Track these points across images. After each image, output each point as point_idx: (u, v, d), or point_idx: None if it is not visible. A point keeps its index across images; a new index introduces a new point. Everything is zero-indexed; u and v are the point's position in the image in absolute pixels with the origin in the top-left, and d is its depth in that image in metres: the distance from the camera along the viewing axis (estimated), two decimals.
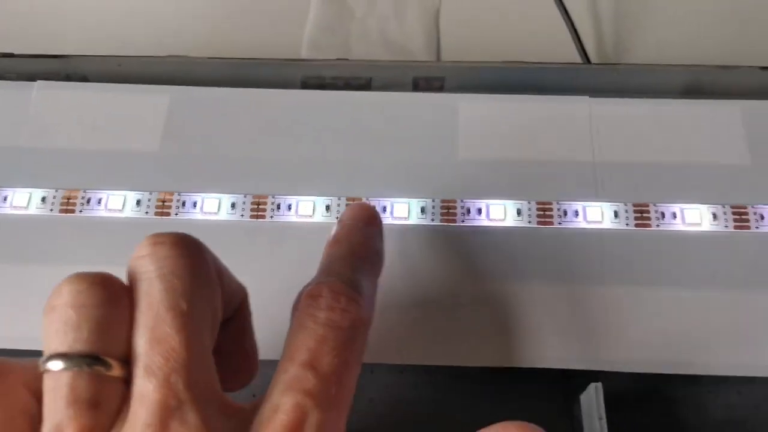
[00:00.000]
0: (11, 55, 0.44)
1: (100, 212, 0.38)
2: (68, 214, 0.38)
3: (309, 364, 0.19)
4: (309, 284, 0.23)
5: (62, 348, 0.17)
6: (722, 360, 0.35)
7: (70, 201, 0.38)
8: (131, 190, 0.39)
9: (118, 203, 0.38)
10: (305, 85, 0.45)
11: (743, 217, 0.39)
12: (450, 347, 0.36)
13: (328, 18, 0.62)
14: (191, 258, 0.20)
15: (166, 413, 0.17)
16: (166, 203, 0.39)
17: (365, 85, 0.45)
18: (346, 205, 0.39)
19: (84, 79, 0.44)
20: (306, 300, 0.22)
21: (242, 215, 0.38)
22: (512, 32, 0.56)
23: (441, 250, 0.38)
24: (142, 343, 0.18)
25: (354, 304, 0.21)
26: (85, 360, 0.17)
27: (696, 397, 0.36)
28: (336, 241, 0.26)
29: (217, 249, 0.25)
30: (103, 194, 0.38)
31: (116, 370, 0.18)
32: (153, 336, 0.18)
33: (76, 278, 0.19)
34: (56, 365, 0.17)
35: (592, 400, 0.34)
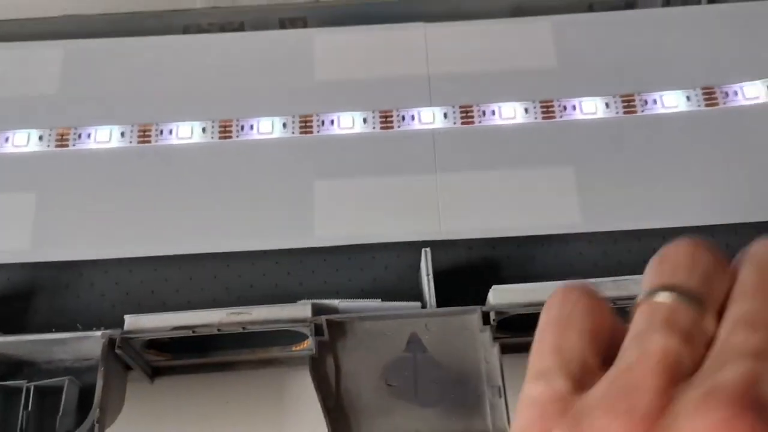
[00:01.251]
0: None
1: (8, 149, 0.45)
2: None
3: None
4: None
5: (673, 281, 0.18)
6: (527, 223, 0.43)
7: None
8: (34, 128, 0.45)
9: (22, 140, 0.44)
10: (186, 31, 0.51)
11: (550, 109, 0.47)
12: (313, 230, 0.43)
13: None
14: None
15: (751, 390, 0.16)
16: (65, 137, 0.45)
17: (238, 28, 0.51)
18: (220, 125, 0.46)
19: None
20: None
21: (131, 142, 0.45)
22: None
23: (300, 156, 0.45)
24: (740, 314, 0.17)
25: None
26: (690, 298, 0.18)
27: (520, 256, 0.45)
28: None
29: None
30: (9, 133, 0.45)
31: (710, 323, 0.18)
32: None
33: (690, 241, 0.19)
34: (663, 296, 0.18)
35: (423, 262, 0.41)
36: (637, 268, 0.40)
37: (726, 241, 0.46)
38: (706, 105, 0.47)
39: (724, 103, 0.47)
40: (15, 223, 0.43)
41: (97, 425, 0.35)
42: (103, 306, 0.45)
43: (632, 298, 0.38)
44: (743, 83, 0.47)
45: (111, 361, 0.38)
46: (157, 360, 0.42)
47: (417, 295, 0.42)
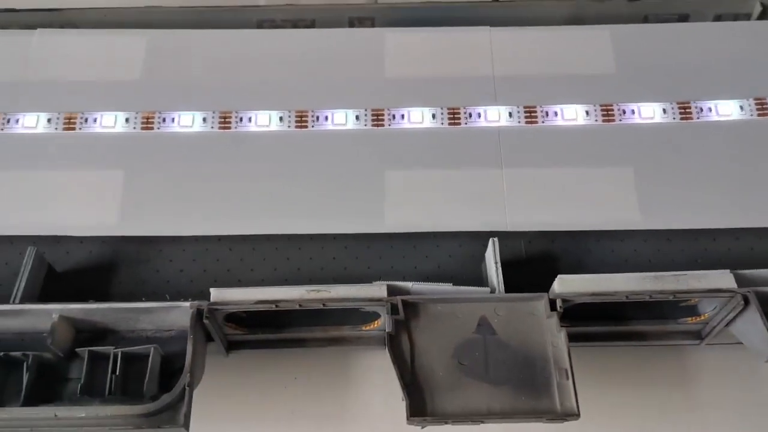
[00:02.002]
0: (13, 10, 0.52)
1: (96, 129, 0.47)
2: (69, 131, 0.47)
3: None
4: None
5: None
6: (595, 219, 0.45)
7: (71, 120, 0.46)
8: (120, 111, 0.48)
9: (110, 121, 0.47)
10: (260, 26, 0.54)
11: (610, 112, 0.49)
12: (382, 218, 0.45)
13: None
14: None
15: None
16: (150, 120, 0.48)
17: (310, 25, 0.54)
18: (296, 115, 0.48)
19: (75, 26, 0.53)
20: None
21: (212, 127, 0.48)
22: None
23: (372, 148, 0.48)
24: None
25: None
26: None
27: (577, 250, 0.47)
28: None
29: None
30: (97, 114, 0.47)
31: None
32: None
33: None
34: None
35: (491, 250, 0.44)
36: (690, 266, 0.43)
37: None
38: (759, 114, 0.49)
39: None
40: (103, 199, 0.45)
41: (187, 389, 0.38)
42: (181, 281, 0.47)
43: (691, 292, 0.40)
44: None
45: (198, 330, 0.41)
46: (235, 333, 0.44)
47: (479, 283, 0.44)
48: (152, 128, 0.48)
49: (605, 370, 0.46)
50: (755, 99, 0.49)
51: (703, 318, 0.43)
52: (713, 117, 0.49)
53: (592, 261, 0.47)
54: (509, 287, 0.43)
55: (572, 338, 0.43)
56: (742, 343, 0.43)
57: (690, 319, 0.44)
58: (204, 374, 0.44)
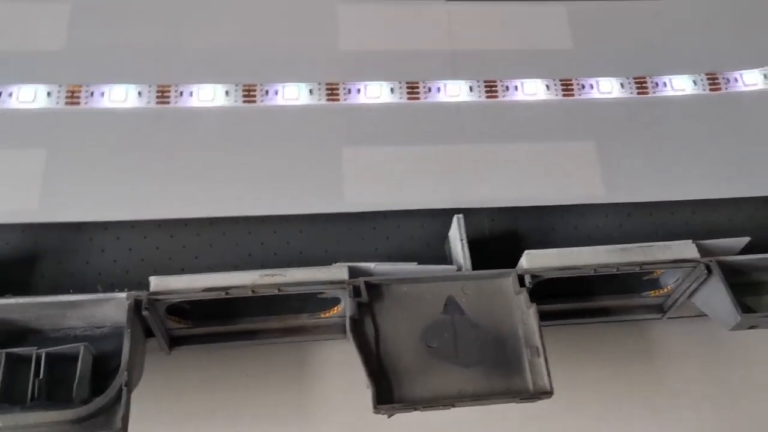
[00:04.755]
0: None
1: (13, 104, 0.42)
2: None
3: None
4: None
5: None
6: (558, 194, 0.44)
7: None
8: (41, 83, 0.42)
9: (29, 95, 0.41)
10: None
11: (569, 87, 0.48)
12: (340, 197, 0.42)
13: None
14: None
15: None
16: (75, 94, 0.43)
17: None
18: (243, 89, 0.44)
19: None
20: None
21: (148, 102, 0.43)
22: None
23: (327, 124, 0.45)
24: None
25: None
26: None
27: (541, 227, 0.45)
28: None
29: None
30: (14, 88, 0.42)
31: None
32: None
33: None
34: None
35: (455, 227, 0.42)
36: (651, 240, 0.42)
37: (728, 215, 0.48)
38: (711, 89, 0.49)
39: (726, 88, 0.49)
40: (23, 182, 0.40)
41: (124, 389, 0.33)
42: (115, 272, 0.42)
43: (657, 263, 0.40)
44: (742, 71, 0.50)
45: (136, 324, 0.36)
46: (179, 327, 0.40)
47: (444, 263, 0.42)
48: (78, 103, 0.43)
49: (572, 347, 0.45)
50: (707, 74, 0.50)
51: (666, 291, 0.43)
52: (668, 92, 0.49)
53: (556, 238, 0.46)
54: (475, 266, 0.41)
55: (540, 317, 0.42)
56: (701, 317, 0.43)
57: (653, 292, 0.43)
58: (144, 374, 0.40)
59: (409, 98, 0.46)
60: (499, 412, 0.38)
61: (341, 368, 0.41)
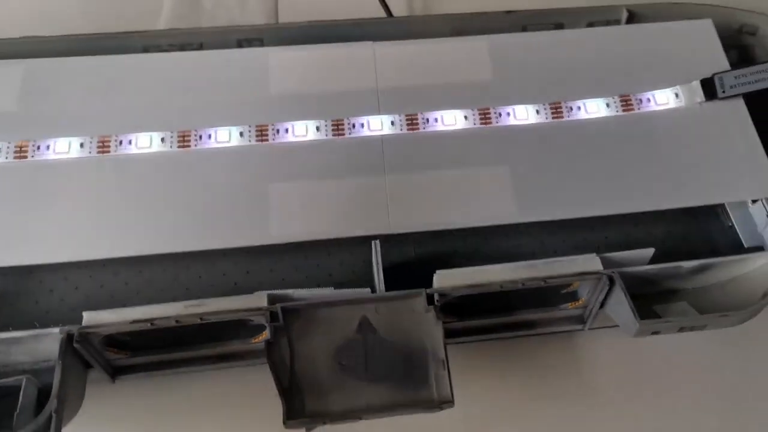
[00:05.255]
0: None
1: None
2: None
3: None
4: None
5: None
6: (469, 216, 0.46)
7: None
8: None
9: None
10: (146, 51, 0.54)
11: (487, 116, 0.51)
12: (268, 229, 0.45)
13: (180, 11, 0.72)
14: None
15: None
16: (23, 149, 0.47)
17: (197, 48, 0.55)
18: (179, 135, 0.48)
19: None
20: None
21: (90, 152, 0.47)
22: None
23: (255, 162, 0.48)
24: None
25: None
26: None
27: (466, 249, 0.48)
28: None
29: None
30: None
31: None
32: None
33: None
34: None
35: (374, 252, 0.44)
36: (568, 254, 0.45)
37: (646, 229, 0.50)
38: (624, 110, 0.52)
39: (638, 108, 0.52)
40: None
41: (54, 416, 0.36)
42: (62, 310, 0.46)
43: (561, 276, 0.42)
44: (654, 91, 0.53)
45: (69, 356, 0.39)
46: (117, 357, 0.42)
47: (372, 288, 0.45)
48: (26, 157, 0.47)
49: (499, 362, 0.47)
50: (620, 96, 0.53)
51: (581, 303, 0.45)
52: (582, 115, 0.52)
53: (479, 258, 0.49)
54: (401, 288, 0.43)
55: (459, 333, 0.44)
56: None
57: (570, 304, 0.45)
58: (87, 404, 0.42)
59: (334, 134, 0.50)
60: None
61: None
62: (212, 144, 0.49)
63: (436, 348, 0.39)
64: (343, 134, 0.50)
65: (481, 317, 0.44)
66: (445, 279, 0.41)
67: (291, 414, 0.36)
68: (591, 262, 0.42)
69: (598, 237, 0.49)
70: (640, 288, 0.45)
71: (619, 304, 0.41)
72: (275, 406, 0.39)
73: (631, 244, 0.48)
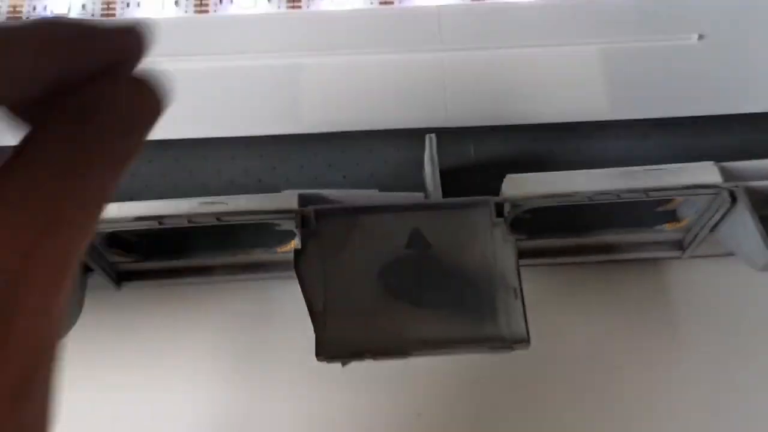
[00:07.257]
0: None
1: None
2: None
3: None
4: None
5: None
6: (555, 110, 0.38)
7: None
8: None
9: None
10: None
11: None
12: (301, 115, 0.38)
13: None
14: None
15: None
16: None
17: None
18: None
19: None
20: None
21: (92, 15, 0.39)
22: None
23: (287, 34, 0.39)
24: None
25: None
26: None
27: (536, 150, 0.39)
28: None
29: None
30: None
31: None
32: None
33: None
34: None
35: (428, 149, 0.36)
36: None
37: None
38: None
39: None
40: None
41: None
42: None
43: (667, 189, 0.34)
44: None
45: None
46: (123, 261, 0.37)
47: (425, 193, 0.37)
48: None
49: (568, 292, 0.40)
50: None
51: (683, 224, 0.37)
52: None
53: (553, 163, 0.40)
54: (456, 195, 0.35)
55: (528, 254, 0.37)
56: (732, 255, 0.37)
57: (668, 224, 0.37)
58: (90, 311, 0.37)
59: (381, 2, 0.40)
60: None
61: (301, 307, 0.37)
62: (233, 9, 0.40)
63: (506, 272, 0.31)
64: (392, 1, 0.41)
65: (557, 236, 0.37)
66: (517, 185, 0.33)
67: (323, 344, 0.30)
68: (707, 171, 0.33)
69: (712, 144, 0.39)
70: (758, 208, 0.36)
71: (741, 227, 0.32)
72: (304, 331, 0.33)
73: (755, 155, 0.39)
